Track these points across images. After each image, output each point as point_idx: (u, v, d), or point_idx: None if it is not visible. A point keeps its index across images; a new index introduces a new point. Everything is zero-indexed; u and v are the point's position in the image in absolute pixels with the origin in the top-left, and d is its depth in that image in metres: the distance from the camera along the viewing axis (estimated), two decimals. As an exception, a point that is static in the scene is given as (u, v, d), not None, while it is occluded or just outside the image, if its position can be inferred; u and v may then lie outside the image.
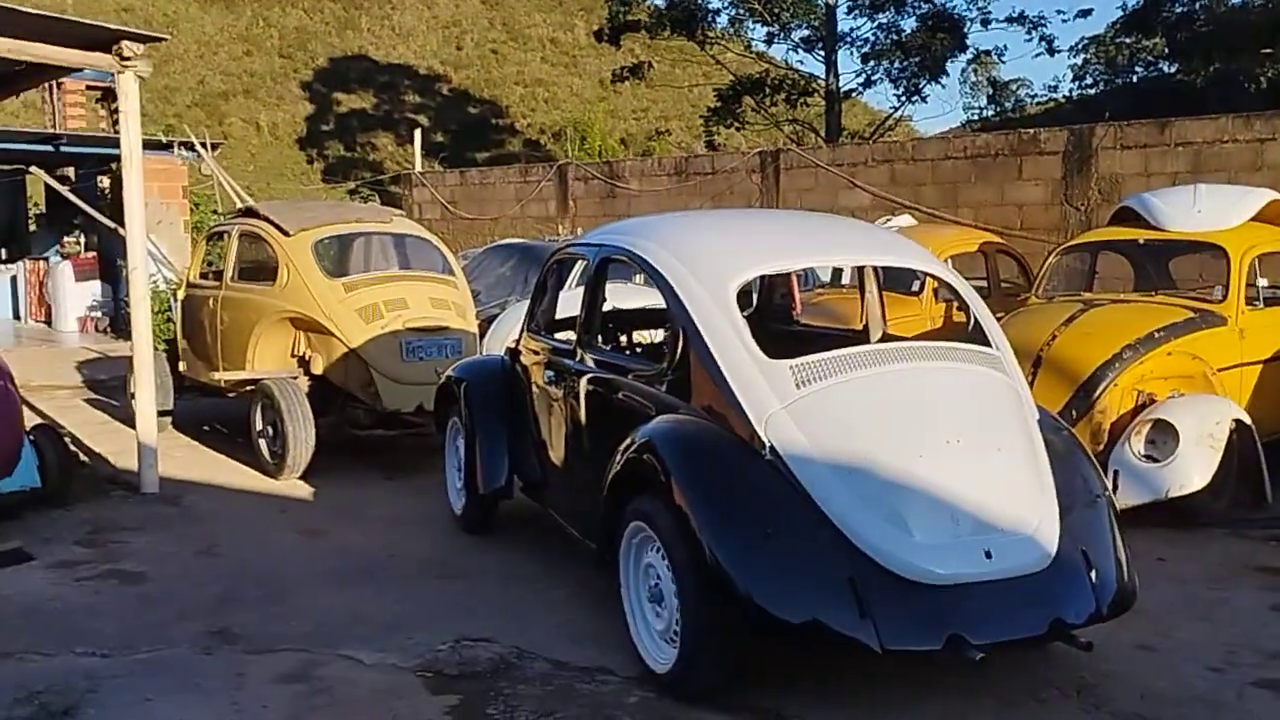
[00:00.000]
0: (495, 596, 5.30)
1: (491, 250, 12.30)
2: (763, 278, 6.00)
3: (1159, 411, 6.29)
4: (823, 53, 26.09)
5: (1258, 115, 10.93)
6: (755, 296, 6.40)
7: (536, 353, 5.75)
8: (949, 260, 8.82)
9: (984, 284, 9.21)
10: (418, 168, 21.77)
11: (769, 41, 27.68)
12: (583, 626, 4.85)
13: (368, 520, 6.68)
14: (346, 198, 27.76)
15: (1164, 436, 6.18)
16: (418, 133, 23.49)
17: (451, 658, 4.56)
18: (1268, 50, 21.65)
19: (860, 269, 5.92)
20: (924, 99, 26.72)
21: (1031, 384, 6.21)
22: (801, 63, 33.18)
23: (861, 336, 5.63)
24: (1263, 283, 7.17)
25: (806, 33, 26.52)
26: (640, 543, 4.34)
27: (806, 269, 8.54)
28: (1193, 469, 6.07)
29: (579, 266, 7.47)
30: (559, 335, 5.74)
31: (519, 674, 4.40)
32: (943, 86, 37.50)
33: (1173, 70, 27.45)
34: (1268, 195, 7.59)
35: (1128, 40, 28.20)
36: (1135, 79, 29.95)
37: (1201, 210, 7.35)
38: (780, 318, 6.42)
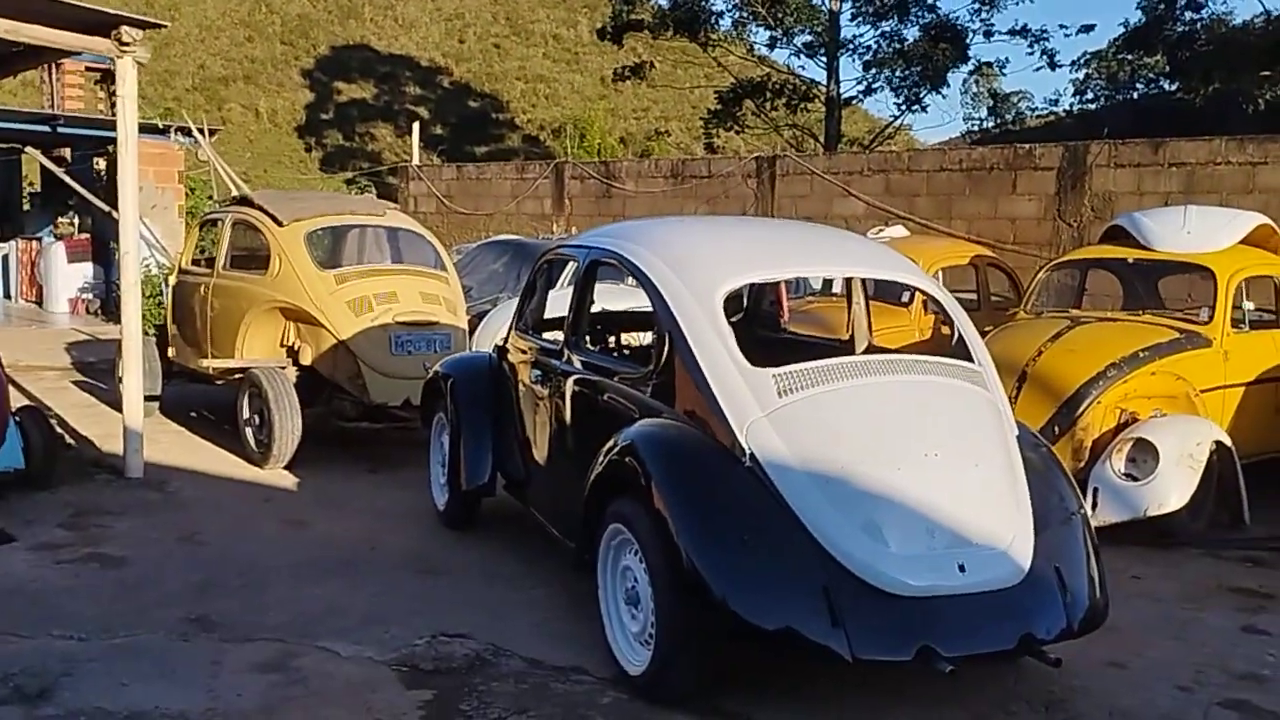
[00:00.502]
0: (474, 593, 5.33)
1: (485, 246, 12.31)
2: (751, 285, 6.03)
3: (1140, 430, 6.33)
4: (825, 59, 26.12)
5: (1251, 139, 10.99)
6: (744, 302, 6.43)
7: (524, 352, 5.78)
8: (940, 273, 8.89)
9: (974, 297, 9.26)
10: (415, 160, 21.77)
11: (771, 46, 27.66)
12: (560, 626, 4.87)
13: (350, 512, 6.70)
14: (343, 188, 27.75)
15: (1144, 455, 6.22)
16: (416, 125, 23.48)
17: (428, 653, 4.58)
18: (1266, 72, 21.72)
19: (849, 280, 5.96)
20: (924, 108, 26.78)
21: (1016, 399, 6.29)
22: (803, 68, 33.24)
23: (847, 347, 5.68)
24: (1249, 305, 7.21)
25: (809, 38, 26.54)
26: (619, 545, 4.37)
27: (796, 278, 8.58)
28: (1172, 489, 6.10)
29: (569, 267, 7.49)
30: (547, 335, 5.76)
31: (494, 671, 4.42)
32: (943, 96, 37.50)
33: (1173, 88, 27.52)
34: (1257, 219, 7.65)
35: (1129, 57, 28.24)
36: (1135, 95, 30.00)
37: (1191, 231, 7.40)
38: (768, 325, 6.46)
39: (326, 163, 35.11)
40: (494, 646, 4.63)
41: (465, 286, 8.91)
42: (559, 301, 5.96)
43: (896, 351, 5.99)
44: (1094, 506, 6.05)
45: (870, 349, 5.65)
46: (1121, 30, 27.10)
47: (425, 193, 19.50)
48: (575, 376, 5.14)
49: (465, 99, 39.65)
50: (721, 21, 27.06)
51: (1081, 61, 29.23)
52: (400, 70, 40.09)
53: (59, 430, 7.81)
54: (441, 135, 36.24)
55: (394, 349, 7.69)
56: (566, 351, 5.26)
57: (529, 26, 43.47)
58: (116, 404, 8.08)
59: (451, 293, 8.29)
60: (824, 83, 26.18)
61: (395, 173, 22.59)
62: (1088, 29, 31.55)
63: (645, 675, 4.15)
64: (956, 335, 4.77)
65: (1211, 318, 6.93)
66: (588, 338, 5.64)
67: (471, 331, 8.64)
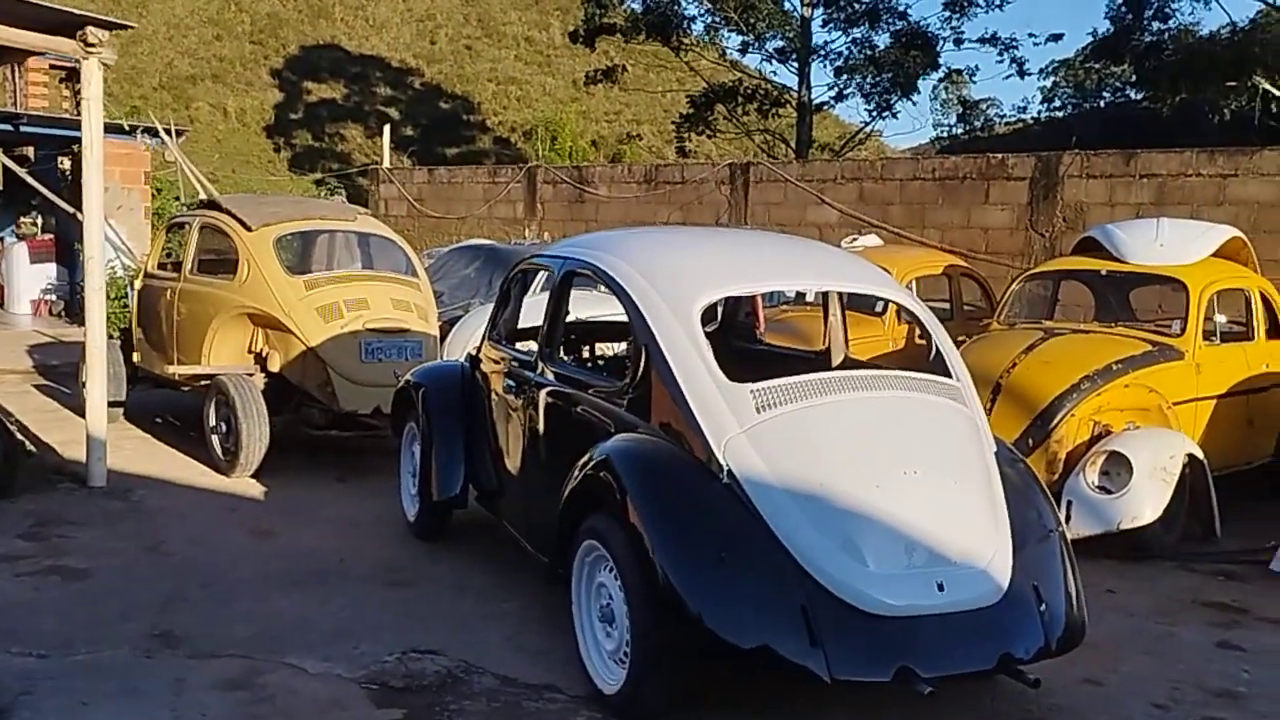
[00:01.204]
0: (445, 607, 5.24)
1: (457, 250, 12.22)
2: (727, 297, 5.99)
3: (1114, 443, 6.34)
4: (796, 64, 26.20)
5: (1221, 151, 11.05)
6: (720, 312, 6.39)
7: (497, 362, 5.70)
8: (914, 282, 8.88)
9: (947, 307, 9.26)
10: (386, 162, 21.62)
11: (743, 51, 27.75)
12: (532, 642, 4.80)
13: (318, 523, 6.59)
14: (313, 189, 27.53)
15: (1118, 468, 6.22)
16: (386, 127, 23.34)
17: (398, 669, 4.50)
18: (1232, 83, 21.94)
19: (825, 292, 5.93)
20: (895, 115, 26.94)
21: (990, 411, 6.25)
22: (775, 73, 33.11)
23: (823, 359, 5.64)
24: (1221, 319, 7.24)
25: (781, 44, 26.63)
26: (593, 561, 4.31)
27: (771, 291, 8.54)
28: (1145, 502, 6.11)
29: (542, 276, 7.43)
30: (520, 346, 5.69)
31: (465, 689, 4.34)
32: (914, 103, 37.71)
33: (1139, 97, 27.79)
34: (1229, 232, 7.68)
35: (1096, 66, 28.54)
36: (1103, 104, 30.33)
37: (1163, 244, 7.42)
38: (744, 336, 6.42)
39: (295, 163, 34.85)
40: (465, 663, 4.56)
41: (436, 292, 8.82)
42: (534, 308, 5.89)
43: (873, 364, 5.97)
44: (1067, 519, 6.04)
45: (846, 361, 5.62)
46: (1090, 39, 27.39)
47: (396, 195, 19.35)
48: (549, 389, 5.06)
49: (436, 100, 39.49)
50: (694, 26, 27.18)
51: (1050, 70, 29.57)
52: (371, 71, 39.88)
53: (19, 436, 7.65)
54: (412, 136, 36.07)
55: (364, 356, 7.59)
56: (540, 363, 5.19)
57: (501, 28, 43.37)
58: (79, 409, 7.94)
59: (423, 299, 8.20)
60: (795, 88, 26.26)
61: (366, 174, 22.42)
62: (1056, 38, 31.85)
63: (620, 694, 4.09)
64: (934, 350, 4.73)
65: (1184, 331, 6.95)
66: (562, 349, 5.57)
67: (443, 338, 8.55)
